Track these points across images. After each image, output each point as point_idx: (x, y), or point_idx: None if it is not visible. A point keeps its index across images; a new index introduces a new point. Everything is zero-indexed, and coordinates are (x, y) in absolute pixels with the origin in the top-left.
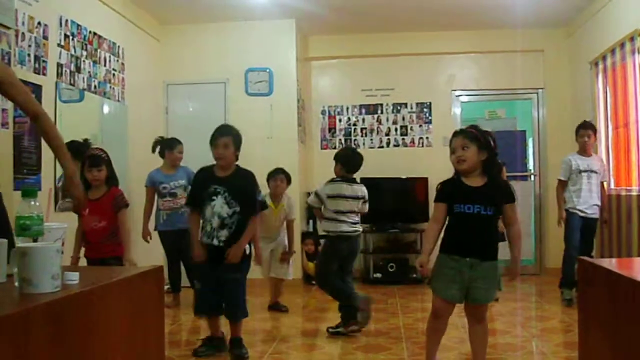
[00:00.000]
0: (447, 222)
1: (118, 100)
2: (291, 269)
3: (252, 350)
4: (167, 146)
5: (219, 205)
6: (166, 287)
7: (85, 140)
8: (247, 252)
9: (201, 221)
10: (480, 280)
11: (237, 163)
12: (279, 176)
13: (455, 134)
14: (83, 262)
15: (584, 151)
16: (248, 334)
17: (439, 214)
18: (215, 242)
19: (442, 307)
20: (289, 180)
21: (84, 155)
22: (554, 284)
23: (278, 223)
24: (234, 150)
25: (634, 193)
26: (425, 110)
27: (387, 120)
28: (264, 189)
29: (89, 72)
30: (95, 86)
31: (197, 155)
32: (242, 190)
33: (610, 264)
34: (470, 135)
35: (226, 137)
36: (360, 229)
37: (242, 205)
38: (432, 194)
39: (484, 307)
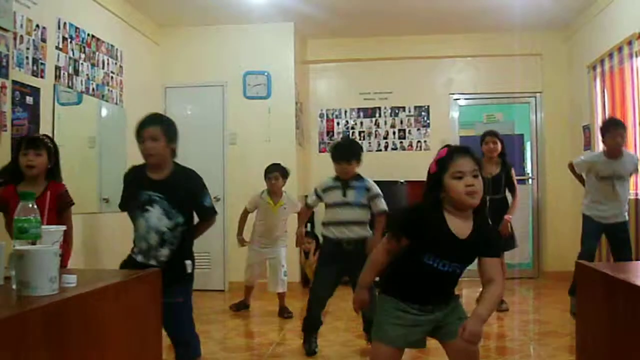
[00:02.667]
0: (399, 262)
1: (116, 103)
2: (284, 281)
3: (250, 354)
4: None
5: (156, 217)
6: None
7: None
8: (189, 269)
9: (133, 235)
10: (452, 314)
11: (175, 160)
12: (272, 174)
13: (462, 151)
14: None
15: (612, 152)
16: (246, 337)
17: (396, 247)
18: (153, 262)
19: (389, 357)
20: (284, 175)
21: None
22: (552, 287)
23: (278, 222)
24: (166, 144)
25: (632, 197)
26: (423, 113)
27: (385, 123)
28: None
29: (87, 74)
30: (93, 89)
31: (195, 159)
32: (185, 195)
33: (607, 267)
34: (478, 160)
35: (153, 126)
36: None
37: (186, 215)
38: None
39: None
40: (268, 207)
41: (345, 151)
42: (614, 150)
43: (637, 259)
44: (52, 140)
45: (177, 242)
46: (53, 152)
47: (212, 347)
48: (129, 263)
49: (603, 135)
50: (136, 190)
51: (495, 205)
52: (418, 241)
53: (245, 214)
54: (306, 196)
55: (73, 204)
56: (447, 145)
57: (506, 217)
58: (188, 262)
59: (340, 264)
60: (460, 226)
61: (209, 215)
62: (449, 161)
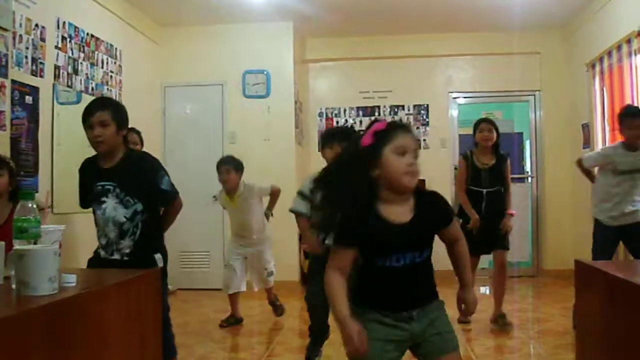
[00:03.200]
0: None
1: None
2: (270, 280)
3: (249, 353)
4: None
5: (112, 208)
6: None
7: None
8: (160, 263)
9: (96, 230)
10: (431, 327)
11: (129, 146)
12: (222, 167)
13: (404, 127)
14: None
15: (632, 144)
16: (245, 335)
17: (344, 262)
18: (117, 256)
19: None
20: (237, 167)
21: None
22: (551, 285)
23: (246, 215)
24: (116, 129)
25: None
26: (422, 112)
27: None
28: (264, 176)
29: (87, 74)
30: (92, 88)
31: (195, 158)
32: (138, 179)
33: (607, 266)
34: (419, 142)
35: (102, 111)
36: None
37: (144, 201)
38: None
39: (453, 358)
40: (229, 202)
41: (344, 132)
42: (634, 143)
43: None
44: (9, 160)
45: (138, 232)
46: (15, 174)
47: (211, 346)
48: (93, 260)
49: (620, 126)
50: (90, 183)
51: (492, 199)
52: (363, 249)
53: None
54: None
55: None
56: (382, 119)
57: (510, 211)
58: (158, 255)
59: None
60: (397, 211)
61: (167, 198)
62: (392, 134)
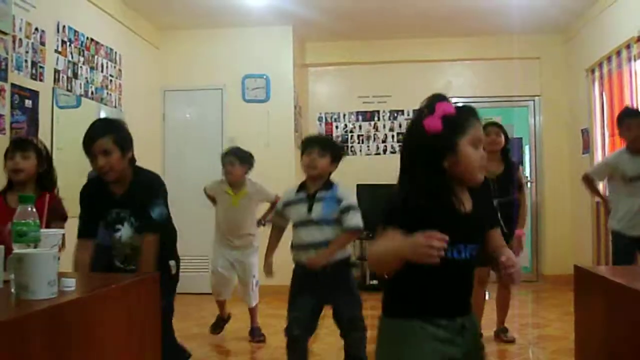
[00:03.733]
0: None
1: (115, 107)
2: (256, 293)
3: (248, 357)
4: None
5: (127, 236)
6: None
7: None
8: (174, 270)
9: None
10: (473, 343)
11: (137, 165)
12: (227, 159)
13: (475, 114)
14: None
15: (634, 147)
16: (242, 339)
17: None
18: (133, 266)
19: None
20: (244, 160)
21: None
22: (551, 290)
23: (244, 216)
24: (120, 155)
25: None
26: None
27: (384, 127)
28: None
29: (86, 78)
30: (92, 92)
31: (194, 162)
32: (142, 206)
33: (605, 271)
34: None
35: (102, 138)
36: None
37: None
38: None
39: None
40: (228, 198)
41: (317, 140)
42: (634, 141)
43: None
44: (43, 145)
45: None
46: (44, 157)
47: (211, 350)
48: (112, 267)
49: (619, 130)
50: (101, 210)
51: (504, 210)
52: (426, 223)
53: (210, 197)
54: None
55: (65, 218)
56: (444, 98)
57: (519, 231)
58: (172, 262)
59: (317, 291)
60: (461, 200)
61: (149, 228)
62: (467, 124)
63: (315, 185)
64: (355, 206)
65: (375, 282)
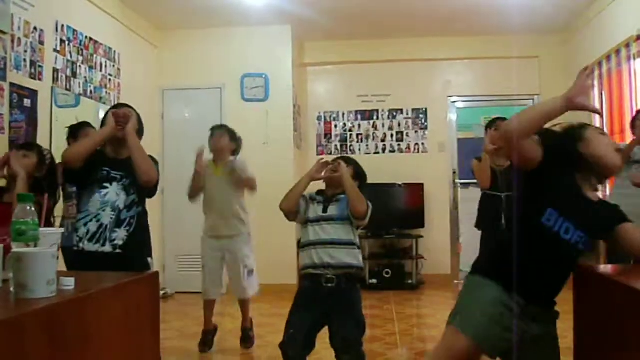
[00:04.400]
0: (508, 233)
1: None
2: (255, 281)
3: (248, 356)
4: (71, 134)
5: (114, 194)
6: None
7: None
8: (153, 268)
9: (75, 218)
10: (536, 343)
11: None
12: (218, 131)
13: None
14: None
15: None
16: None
17: (531, 145)
18: (107, 247)
19: (465, 353)
20: (233, 137)
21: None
22: None
23: (227, 195)
24: (135, 125)
25: None
26: (421, 116)
27: (383, 126)
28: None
29: (85, 77)
30: (91, 91)
31: (193, 161)
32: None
33: (605, 270)
34: None
35: (127, 107)
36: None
37: (139, 193)
38: (427, 199)
39: None
40: (211, 172)
41: (345, 157)
42: None
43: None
44: (51, 155)
45: (134, 224)
46: (46, 162)
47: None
48: (76, 253)
49: (632, 130)
50: (92, 167)
51: (512, 204)
52: (547, 185)
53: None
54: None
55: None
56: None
57: None
58: (151, 260)
59: (319, 308)
60: (589, 190)
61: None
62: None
63: (334, 192)
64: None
65: (374, 281)
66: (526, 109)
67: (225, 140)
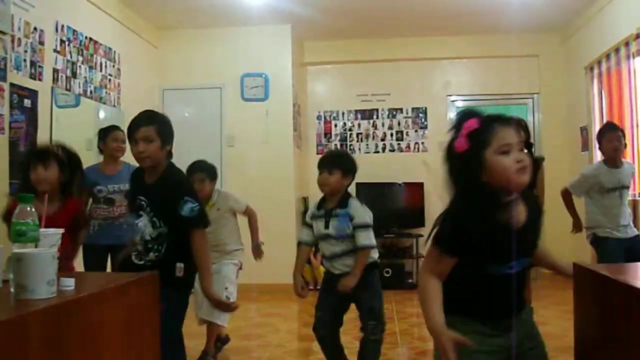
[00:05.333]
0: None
1: (114, 106)
2: (227, 315)
3: (248, 356)
4: (100, 136)
5: (143, 224)
6: None
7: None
8: (179, 272)
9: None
10: (528, 340)
11: (171, 161)
12: (197, 176)
13: (503, 120)
14: None
15: (613, 161)
16: (244, 339)
17: (444, 269)
18: (143, 262)
19: None
20: (212, 175)
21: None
22: (550, 288)
23: (219, 228)
24: (160, 145)
25: (630, 198)
26: (420, 115)
27: (383, 125)
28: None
29: (85, 77)
30: (91, 91)
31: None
32: (164, 205)
33: (605, 269)
34: (525, 128)
35: (147, 126)
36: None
37: (169, 223)
38: (427, 199)
39: None
40: None
41: (333, 157)
42: (612, 155)
43: None
44: (67, 150)
45: (163, 250)
46: (66, 164)
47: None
48: (127, 262)
49: (600, 142)
50: (133, 195)
51: None
52: (475, 256)
53: None
54: (304, 198)
55: (87, 222)
56: (472, 113)
57: None
58: (180, 265)
59: (338, 294)
60: (515, 214)
61: (185, 225)
62: (489, 134)
63: (333, 202)
64: (366, 224)
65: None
66: (426, 300)
67: (206, 186)
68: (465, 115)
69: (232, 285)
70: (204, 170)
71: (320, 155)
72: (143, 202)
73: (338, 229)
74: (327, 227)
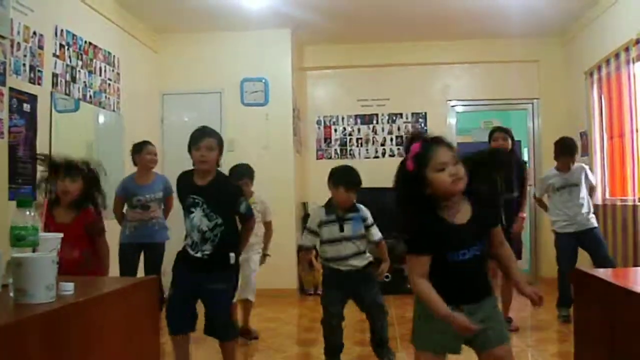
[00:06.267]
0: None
1: (113, 110)
2: (254, 287)
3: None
4: (135, 150)
5: (198, 219)
6: None
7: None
8: (232, 260)
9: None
10: (486, 321)
11: (218, 169)
12: (243, 180)
13: (437, 142)
14: None
15: (563, 168)
16: (243, 344)
17: (424, 267)
18: (199, 255)
19: None
20: (251, 177)
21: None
22: (549, 293)
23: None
24: (217, 154)
25: (629, 203)
26: (420, 120)
27: (383, 130)
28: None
29: (85, 82)
30: (90, 96)
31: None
32: (222, 200)
33: (604, 274)
34: (451, 145)
35: (211, 138)
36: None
37: (224, 217)
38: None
39: (505, 350)
40: None
41: (353, 177)
42: (565, 169)
43: (624, 266)
44: (90, 167)
45: (218, 240)
46: (88, 179)
47: (210, 351)
48: (181, 253)
49: (556, 158)
50: (184, 194)
51: (509, 205)
52: (437, 247)
53: None
54: (304, 203)
55: (103, 231)
56: (416, 137)
57: (521, 214)
58: (232, 254)
59: (346, 288)
60: (458, 213)
61: (245, 219)
62: (428, 155)
63: (343, 209)
64: (374, 222)
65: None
66: (428, 299)
67: (249, 185)
68: (411, 139)
69: (256, 269)
70: (247, 173)
71: (320, 160)
72: (197, 200)
73: (354, 230)
74: (342, 230)
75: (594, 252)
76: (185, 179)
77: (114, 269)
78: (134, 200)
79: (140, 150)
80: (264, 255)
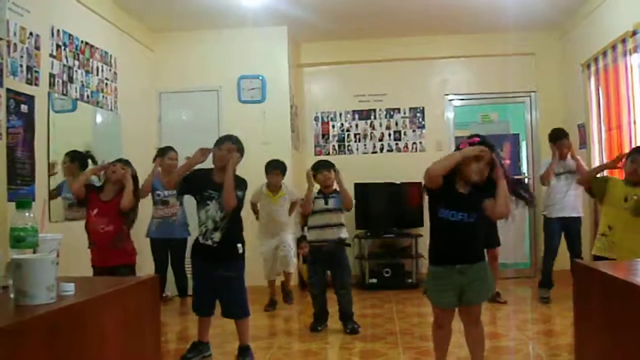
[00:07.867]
0: (430, 230)
1: (111, 110)
2: (293, 259)
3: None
4: (158, 154)
5: (214, 210)
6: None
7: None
8: (240, 251)
9: (197, 220)
10: (472, 282)
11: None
12: (274, 171)
13: (488, 144)
14: (89, 271)
15: (563, 158)
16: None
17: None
18: (209, 242)
19: (441, 314)
20: (283, 171)
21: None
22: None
23: (279, 211)
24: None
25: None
26: (418, 115)
27: (381, 125)
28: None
29: (82, 81)
30: (87, 96)
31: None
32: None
33: (604, 266)
34: (495, 154)
35: (231, 142)
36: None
37: (232, 209)
38: (426, 198)
39: (477, 308)
40: (268, 199)
41: (326, 162)
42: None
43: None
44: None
45: (226, 228)
46: (135, 177)
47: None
48: (196, 243)
49: (553, 144)
50: (201, 188)
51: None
52: (439, 201)
53: (253, 205)
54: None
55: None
56: (480, 137)
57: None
58: (239, 245)
59: (324, 261)
60: (463, 186)
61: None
62: (478, 147)
63: (328, 190)
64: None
65: (374, 280)
66: (441, 161)
67: (280, 178)
68: (476, 136)
69: (293, 247)
70: (279, 167)
71: (318, 157)
72: (214, 195)
73: (335, 204)
74: (327, 203)
75: (570, 245)
76: (204, 174)
77: (147, 261)
78: (155, 195)
79: (164, 154)
80: (302, 238)
